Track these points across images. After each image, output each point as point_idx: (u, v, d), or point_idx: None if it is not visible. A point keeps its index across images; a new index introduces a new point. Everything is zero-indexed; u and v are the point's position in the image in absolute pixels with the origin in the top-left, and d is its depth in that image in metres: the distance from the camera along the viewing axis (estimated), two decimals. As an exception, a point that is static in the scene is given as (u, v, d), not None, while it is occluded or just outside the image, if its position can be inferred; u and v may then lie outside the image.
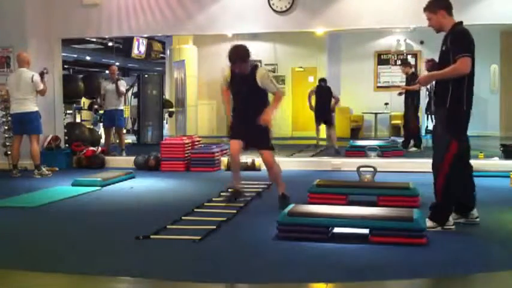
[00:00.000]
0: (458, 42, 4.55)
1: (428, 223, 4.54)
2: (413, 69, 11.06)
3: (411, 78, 10.67)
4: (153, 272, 3.70)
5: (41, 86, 8.26)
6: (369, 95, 13.45)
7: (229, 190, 6.13)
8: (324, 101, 11.11)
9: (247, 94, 5.74)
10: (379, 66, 13.51)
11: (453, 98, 4.54)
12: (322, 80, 11.36)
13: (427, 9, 4.87)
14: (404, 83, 11.23)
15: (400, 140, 11.39)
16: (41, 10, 9.36)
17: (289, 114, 13.71)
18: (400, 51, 13.19)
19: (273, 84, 5.75)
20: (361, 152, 9.40)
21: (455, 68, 4.47)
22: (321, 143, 11.82)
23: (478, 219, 4.79)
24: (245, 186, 7.02)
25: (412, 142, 10.86)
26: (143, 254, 4.11)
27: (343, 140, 12.02)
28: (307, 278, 3.60)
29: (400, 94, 10.82)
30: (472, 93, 4.61)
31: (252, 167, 8.68)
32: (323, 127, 11.35)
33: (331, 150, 10.60)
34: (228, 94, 6.01)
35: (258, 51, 13.20)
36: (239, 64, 5.64)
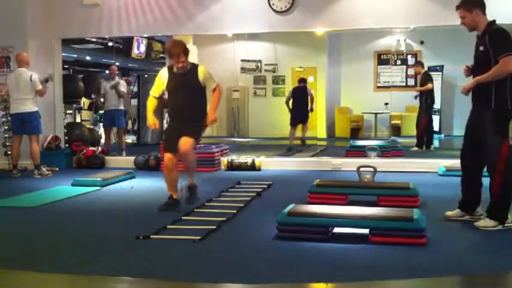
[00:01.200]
0: (499, 41, 4.53)
1: (491, 223, 4.61)
2: (425, 69, 10.94)
3: (425, 78, 10.62)
4: (153, 272, 3.70)
5: (40, 86, 8.26)
6: (369, 95, 13.44)
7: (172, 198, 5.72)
8: (302, 102, 11.14)
9: (187, 93, 5.59)
10: (379, 66, 13.49)
11: (498, 98, 4.55)
12: (301, 81, 11.36)
13: (462, 7, 4.75)
14: (416, 83, 11.29)
15: (400, 140, 11.40)
16: (41, 10, 9.36)
17: (289, 114, 13.69)
18: (400, 51, 13.18)
19: (213, 80, 5.70)
20: (361, 152, 9.40)
21: (499, 69, 4.48)
22: (321, 143, 11.86)
23: (482, 217, 4.82)
24: (245, 186, 7.05)
25: (425, 140, 10.73)
26: (143, 254, 4.11)
27: (343, 140, 12.04)
28: (307, 278, 3.60)
29: (416, 97, 10.75)
30: None
31: (252, 167, 8.68)
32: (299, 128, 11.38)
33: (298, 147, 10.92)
34: (155, 104, 5.77)
35: (258, 51, 13.28)
36: (183, 58, 5.49)
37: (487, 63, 4.55)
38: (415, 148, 10.61)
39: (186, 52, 5.52)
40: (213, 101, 5.70)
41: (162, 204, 5.64)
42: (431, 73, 11.15)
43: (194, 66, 5.69)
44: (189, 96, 5.60)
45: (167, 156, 5.62)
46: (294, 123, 11.21)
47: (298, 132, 11.40)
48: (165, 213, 5.42)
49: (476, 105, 4.78)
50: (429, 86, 10.45)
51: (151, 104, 5.80)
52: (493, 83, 4.55)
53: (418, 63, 11.08)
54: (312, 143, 12.06)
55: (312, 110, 11.34)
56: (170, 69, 5.72)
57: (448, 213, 5.07)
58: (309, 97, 11.20)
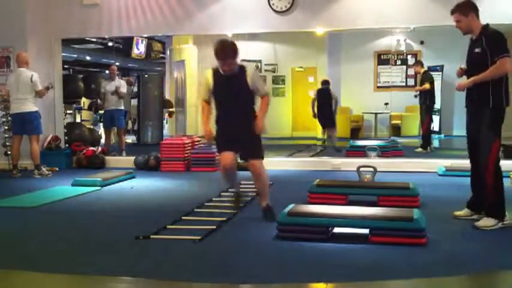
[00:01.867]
0: (496, 43, 4.67)
1: (490, 221, 4.68)
2: (425, 68, 10.85)
3: (424, 77, 10.57)
4: (153, 272, 3.70)
5: (40, 87, 8.26)
6: (369, 95, 13.43)
7: (233, 195, 5.63)
8: (324, 105, 11.28)
9: (235, 98, 5.05)
10: (379, 66, 13.48)
11: (495, 97, 4.67)
12: (324, 83, 11.46)
13: (457, 11, 4.91)
14: (416, 83, 11.28)
15: (400, 140, 11.40)
16: (41, 10, 9.37)
17: (289, 114, 13.71)
18: (400, 51, 13.18)
19: (263, 86, 5.25)
20: (361, 152, 9.40)
21: (497, 69, 4.60)
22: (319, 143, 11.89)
23: (481, 217, 4.86)
24: (245, 186, 7.03)
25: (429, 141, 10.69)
26: (143, 254, 4.11)
27: (343, 140, 12.02)
28: (307, 278, 3.60)
29: (416, 96, 10.70)
30: (508, 90, 4.73)
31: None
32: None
33: (331, 150, 10.71)
34: (209, 108, 5.25)
35: (258, 51, 13.27)
36: (229, 61, 4.93)
37: (482, 65, 4.66)
38: (419, 149, 10.51)
39: (234, 55, 4.96)
40: (262, 108, 5.16)
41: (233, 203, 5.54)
42: (431, 73, 11.14)
43: (242, 69, 5.08)
44: (237, 102, 5.07)
45: (226, 154, 5.10)
46: (322, 126, 11.60)
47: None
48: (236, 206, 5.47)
49: (472, 105, 4.87)
50: (426, 86, 10.39)
51: (205, 109, 5.23)
52: (489, 83, 4.66)
53: (418, 63, 11.06)
54: (312, 143, 12.07)
55: (335, 111, 11.49)
56: (216, 71, 5.11)
57: (457, 212, 5.12)
58: (333, 100, 11.34)
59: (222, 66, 4.98)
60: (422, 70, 10.76)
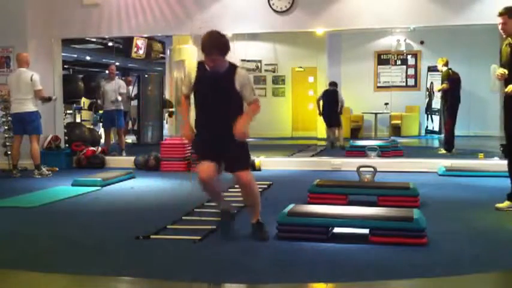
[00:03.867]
0: None
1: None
2: (446, 67, 10.07)
3: (443, 76, 10.06)
4: (153, 272, 3.70)
5: (39, 87, 8.26)
6: (369, 95, 13.44)
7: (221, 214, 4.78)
8: (329, 105, 11.50)
9: (219, 100, 4.38)
10: (379, 66, 13.49)
11: None
12: (332, 84, 11.68)
13: (506, 14, 5.15)
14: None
15: (400, 140, 11.40)
16: (41, 10, 9.36)
17: (289, 114, 13.71)
18: (400, 51, 13.18)
19: (253, 92, 4.48)
20: (361, 152, 9.40)
21: None
22: (321, 143, 11.93)
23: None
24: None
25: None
26: (143, 254, 4.11)
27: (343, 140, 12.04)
28: (307, 278, 3.60)
29: (441, 97, 10.38)
30: None
31: (252, 167, 8.68)
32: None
33: (338, 149, 10.94)
34: (189, 105, 4.66)
35: (258, 51, 13.27)
36: (216, 57, 4.29)
37: None
38: (442, 151, 10.10)
39: (221, 49, 4.31)
40: (247, 113, 4.46)
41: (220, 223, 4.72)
42: (432, 73, 11.09)
43: (232, 69, 4.43)
44: (221, 106, 4.40)
45: (205, 164, 4.42)
46: (327, 125, 11.84)
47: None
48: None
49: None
50: (443, 86, 9.95)
51: (184, 106, 4.68)
52: None
53: (440, 60, 10.22)
54: (312, 143, 12.08)
55: (340, 112, 11.71)
56: (202, 65, 4.49)
57: (498, 205, 5.24)
58: (339, 103, 11.59)
59: (207, 61, 4.36)
60: (442, 68, 10.10)
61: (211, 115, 4.45)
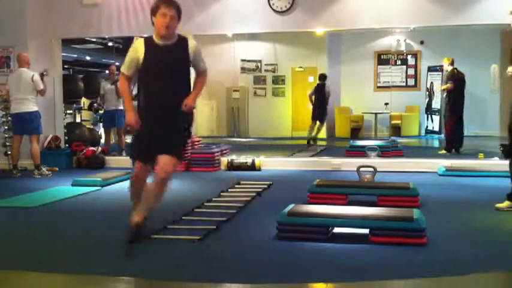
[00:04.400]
0: None
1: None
2: (452, 66, 10.00)
3: (447, 76, 10.02)
4: (153, 272, 3.70)
5: (41, 86, 8.27)
6: (369, 95, 13.45)
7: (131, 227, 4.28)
8: (318, 99, 11.75)
9: (172, 74, 4.21)
10: (379, 66, 13.49)
11: None
12: (320, 77, 11.83)
13: None
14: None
15: (400, 140, 11.40)
16: (41, 10, 9.36)
17: (289, 114, 13.71)
18: (400, 51, 13.18)
19: (204, 62, 4.38)
20: (361, 152, 9.40)
21: None
22: (321, 143, 11.95)
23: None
24: (245, 186, 7.04)
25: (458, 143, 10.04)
26: (143, 254, 4.11)
27: (343, 140, 12.04)
28: (307, 278, 3.60)
29: (442, 90, 10.32)
30: None
31: (252, 167, 8.68)
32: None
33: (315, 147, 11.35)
34: (129, 82, 4.33)
35: (258, 51, 13.27)
36: (173, 16, 4.13)
37: None
38: (443, 151, 10.09)
39: (178, 8, 4.19)
40: (197, 87, 4.35)
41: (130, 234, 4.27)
42: (432, 73, 11.08)
43: (183, 39, 4.28)
44: (174, 80, 4.23)
45: (140, 166, 4.34)
46: (312, 118, 12.02)
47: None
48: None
49: None
50: (448, 85, 9.87)
51: (126, 86, 4.32)
52: None
53: (446, 59, 10.17)
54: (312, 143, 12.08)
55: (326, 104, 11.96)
56: (149, 40, 4.28)
57: (498, 205, 5.22)
58: (326, 94, 11.85)
59: (161, 23, 4.12)
60: (448, 68, 10.03)
61: (161, 91, 4.20)
